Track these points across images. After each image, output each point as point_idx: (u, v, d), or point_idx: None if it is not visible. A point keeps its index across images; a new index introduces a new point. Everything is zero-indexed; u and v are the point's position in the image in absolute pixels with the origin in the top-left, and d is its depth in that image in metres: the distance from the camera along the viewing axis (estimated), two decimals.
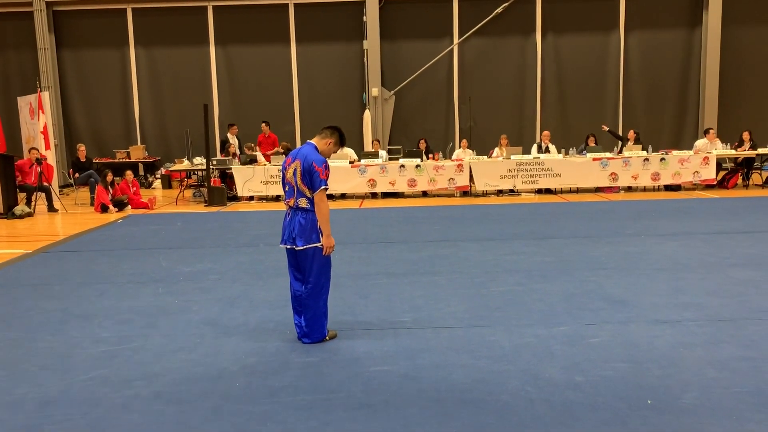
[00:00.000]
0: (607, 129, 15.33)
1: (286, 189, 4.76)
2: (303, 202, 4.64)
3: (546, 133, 15.19)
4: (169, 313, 5.64)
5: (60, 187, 15.58)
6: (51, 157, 14.64)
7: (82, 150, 14.77)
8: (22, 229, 10.83)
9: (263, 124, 15.90)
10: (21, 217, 11.89)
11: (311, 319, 4.73)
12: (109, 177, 12.70)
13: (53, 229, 11.01)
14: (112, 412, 3.71)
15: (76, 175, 14.30)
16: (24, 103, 15.69)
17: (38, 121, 14.84)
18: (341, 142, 4.84)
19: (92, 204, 13.15)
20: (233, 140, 15.31)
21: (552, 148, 14.53)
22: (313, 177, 4.56)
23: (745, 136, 14.26)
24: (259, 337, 4.95)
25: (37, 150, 13.49)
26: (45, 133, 14.75)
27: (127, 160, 17.29)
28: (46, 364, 4.48)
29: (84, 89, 18.23)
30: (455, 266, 7.14)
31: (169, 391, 3.98)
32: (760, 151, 14.24)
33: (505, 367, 4.22)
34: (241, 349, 4.68)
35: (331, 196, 4.50)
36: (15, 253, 8.53)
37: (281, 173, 4.88)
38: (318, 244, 4.65)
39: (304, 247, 4.65)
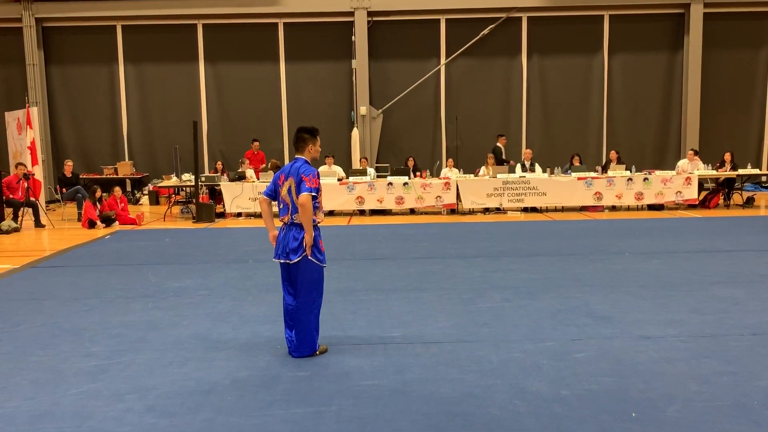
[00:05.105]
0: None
1: (281, 207, 4.83)
2: (298, 218, 4.71)
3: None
4: (159, 327, 5.67)
5: (47, 202, 15.53)
6: (38, 173, 14.61)
7: (68, 166, 14.78)
8: (9, 245, 10.78)
9: (255, 142, 16.13)
10: (8, 232, 11.83)
11: (302, 334, 4.78)
12: (98, 193, 12.71)
13: (40, 244, 10.97)
14: (105, 425, 3.74)
15: (63, 190, 14.28)
16: (12, 118, 15.67)
17: (26, 137, 14.82)
18: (312, 134, 4.84)
19: (79, 219, 13.12)
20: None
21: (537, 167, 14.71)
22: (300, 186, 4.64)
23: (727, 157, 14.55)
24: (250, 351, 5.00)
25: (25, 165, 13.47)
26: (32, 148, 14.73)
27: (115, 176, 17.28)
28: (37, 378, 4.49)
29: (72, 105, 18.21)
30: (443, 283, 7.23)
31: (161, 405, 4.01)
32: (741, 171, 14.54)
33: (493, 381, 4.30)
34: (232, 364, 4.73)
35: None
36: (2, 269, 8.50)
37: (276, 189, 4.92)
38: (312, 259, 4.73)
39: (298, 258, 4.71)
